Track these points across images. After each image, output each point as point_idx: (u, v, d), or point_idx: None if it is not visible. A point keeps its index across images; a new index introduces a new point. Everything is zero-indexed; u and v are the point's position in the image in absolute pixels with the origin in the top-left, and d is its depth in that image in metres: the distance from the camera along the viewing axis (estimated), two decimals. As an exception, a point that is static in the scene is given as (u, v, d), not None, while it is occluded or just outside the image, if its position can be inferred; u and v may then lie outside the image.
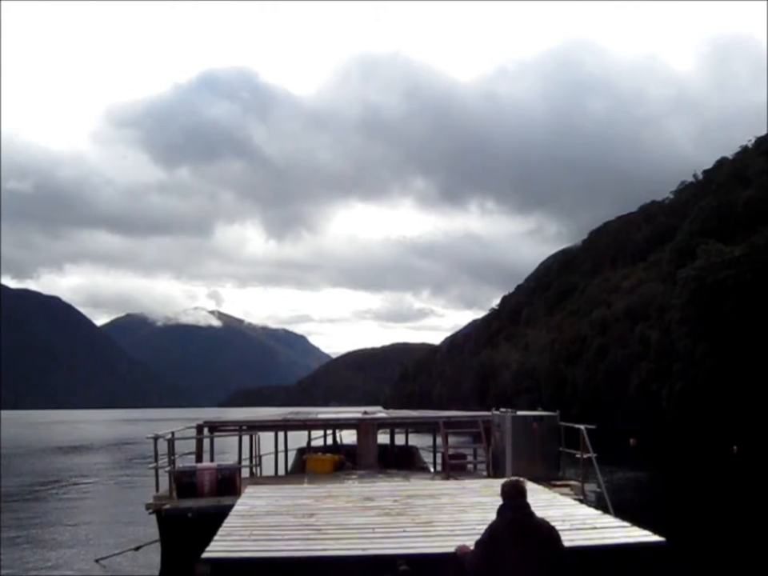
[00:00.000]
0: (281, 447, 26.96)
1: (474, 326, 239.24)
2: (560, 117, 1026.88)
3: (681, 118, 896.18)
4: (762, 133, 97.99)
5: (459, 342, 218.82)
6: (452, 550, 9.56)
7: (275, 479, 22.67)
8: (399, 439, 29.86)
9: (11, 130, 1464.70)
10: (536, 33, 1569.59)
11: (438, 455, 25.88)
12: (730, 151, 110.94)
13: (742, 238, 71.63)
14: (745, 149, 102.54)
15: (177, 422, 31.42)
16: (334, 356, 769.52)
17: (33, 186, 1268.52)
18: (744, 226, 74.75)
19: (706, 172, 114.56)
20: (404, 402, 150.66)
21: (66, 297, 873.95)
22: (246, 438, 23.49)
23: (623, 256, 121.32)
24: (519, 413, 20.96)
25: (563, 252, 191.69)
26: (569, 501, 13.93)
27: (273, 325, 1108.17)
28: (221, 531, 10.80)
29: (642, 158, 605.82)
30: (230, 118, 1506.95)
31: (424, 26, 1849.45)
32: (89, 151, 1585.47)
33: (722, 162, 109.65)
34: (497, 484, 16.43)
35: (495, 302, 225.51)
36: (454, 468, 21.54)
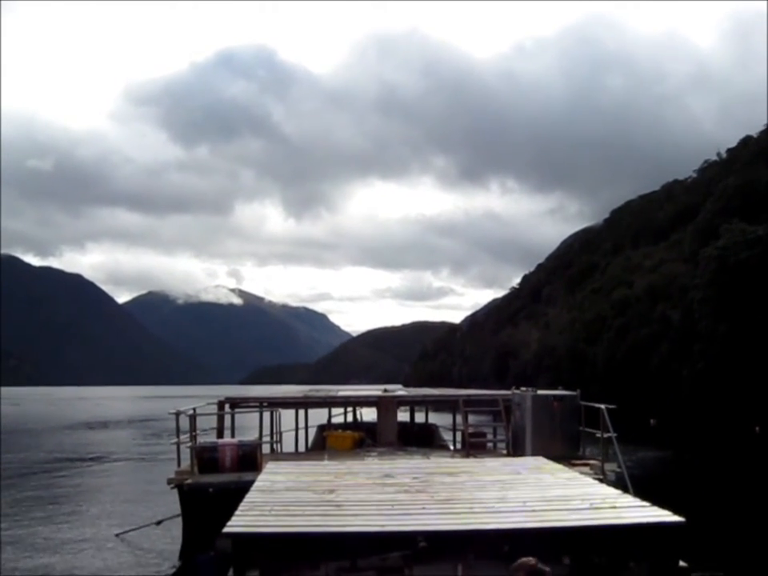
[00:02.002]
0: (301, 424, 27.12)
1: (495, 304, 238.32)
2: (579, 94, 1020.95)
3: (702, 95, 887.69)
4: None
5: (479, 320, 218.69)
6: (470, 527, 9.59)
7: (296, 455, 22.85)
8: (419, 417, 29.96)
9: (31, 109, 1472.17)
10: (554, 9, 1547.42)
11: (458, 433, 25.95)
12: (751, 129, 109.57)
13: (766, 218, 70.90)
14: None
15: (198, 398, 31.55)
16: (354, 334, 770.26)
17: (53, 165, 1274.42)
18: (768, 206, 74.01)
19: (729, 150, 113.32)
20: (424, 381, 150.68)
21: (87, 274, 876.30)
22: (266, 415, 23.66)
23: (645, 235, 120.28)
24: (540, 392, 20.95)
25: (584, 231, 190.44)
26: (588, 480, 13.91)
27: (293, 303, 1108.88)
28: (242, 506, 10.87)
29: (662, 135, 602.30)
30: (248, 96, 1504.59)
31: (440, 2, 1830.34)
32: (108, 130, 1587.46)
33: (746, 141, 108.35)
34: (517, 462, 16.53)
35: (515, 281, 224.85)
36: (473, 446, 21.58)
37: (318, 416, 28.67)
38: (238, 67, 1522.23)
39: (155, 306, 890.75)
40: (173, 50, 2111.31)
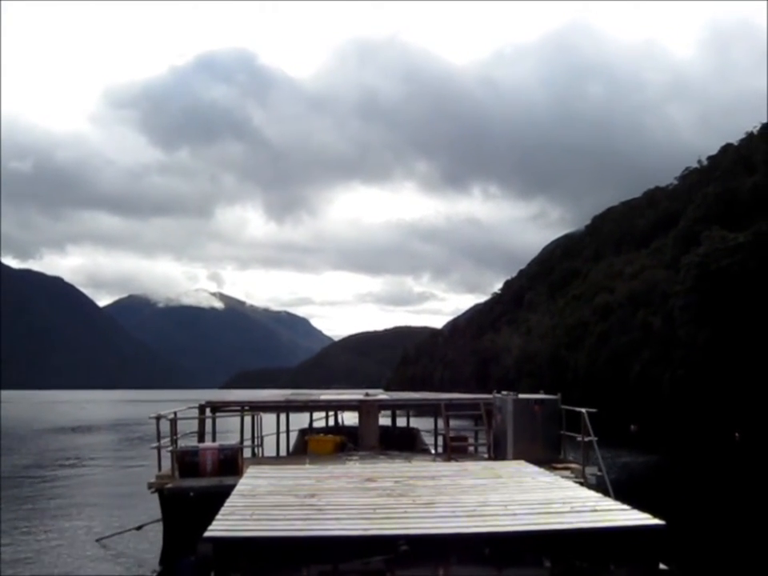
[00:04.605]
0: (283, 428, 27.05)
1: (476, 310, 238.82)
2: (559, 101, 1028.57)
3: (681, 103, 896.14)
4: (764, 119, 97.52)
5: (461, 325, 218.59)
6: (452, 531, 9.60)
7: (277, 460, 22.77)
8: (401, 421, 29.96)
9: (11, 111, 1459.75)
10: (533, 17, 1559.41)
11: (440, 437, 25.96)
12: (731, 137, 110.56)
13: (747, 225, 71.36)
14: (750, 135, 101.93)
15: (179, 402, 31.41)
16: (335, 339, 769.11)
17: (33, 167, 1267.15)
18: (748, 213, 74.44)
19: (710, 158, 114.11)
20: (405, 385, 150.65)
21: (67, 277, 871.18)
22: (248, 419, 23.60)
23: (627, 242, 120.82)
24: (521, 395, 21.01)
25: (566, 237, 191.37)
26: (569, 483, 13.97)
27: (274, 307, 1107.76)
28: (223, 511, 10.85)
29: (643, 142, 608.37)
30: (228, 100, 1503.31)
31: (420, 9, 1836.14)
32: (88, 132, 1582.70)
33: (726, 149, 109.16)
34: (498, 466, 16.57)
35: (497, 286, 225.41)
36: (455, 450, 21.61)
37: (300, 420, 28.62)
38: (218, 71, 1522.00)
39: (136, 310, 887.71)
40: (152, 53, 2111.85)
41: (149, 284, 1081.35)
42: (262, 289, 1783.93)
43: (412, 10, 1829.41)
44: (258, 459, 21.23)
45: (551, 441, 20.11)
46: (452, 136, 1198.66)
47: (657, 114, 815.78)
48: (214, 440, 21.87)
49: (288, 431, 27.33)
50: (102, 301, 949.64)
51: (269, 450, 24.79)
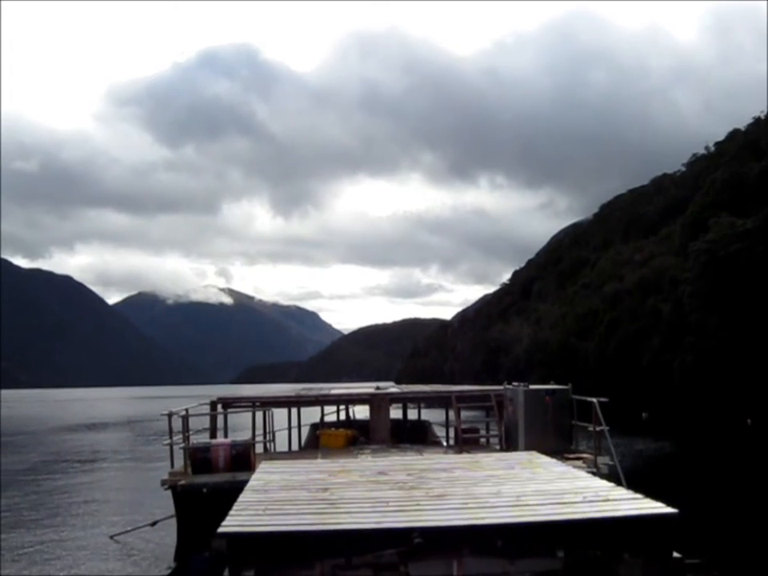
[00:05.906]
0: (294, 423, 27.10)
1: (485, 301, 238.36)
2: (563, 89, 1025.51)
3: (686, 89, 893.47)
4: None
5: (470, 317, 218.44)
6: (465, 522, 9.62)
7: (289, 454, 22.86)
8: (412, 414, 29.97)
9: (15, 111, 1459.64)
10: (534, 5, 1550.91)
11: (451, 429, 25.99)
12: (736, 122, 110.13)
13: (755, 211, 71.10)
14: (757, 120, 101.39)
15: (190, 398, 31.44)
16: (345, 332, 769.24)
17: (39, 166, 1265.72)
18: (756, 199, 74.09)
19: (717, 144, 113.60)
20: (416, 378, 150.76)
21: (77, 276, 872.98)
22: (259, 414, 23.68)
23: (635, 229, 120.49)
24: (532, 386, 21.01)
25: (574, 226, 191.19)
26: (581, 473, 13.94)
27: (283, 301, 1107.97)
28: (236, 506, 10.87)
29: (649, 129, 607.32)
30: (232, 95, 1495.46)
31: (419, 1, 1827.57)
32: (93, 131, 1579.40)
33: (734, 134, 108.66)
34: (510, 457, 16.57)
35: (506, 276, 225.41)
36: (466, 442, 21.64)
37: (311, 414, 28.66)
38: (220, 67, 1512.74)
39: (145, 307, 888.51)
40: (155, 50, 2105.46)
41: (158, 281, 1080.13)
42: (270, 283, 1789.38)
43: (411, 1, 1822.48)
44: (270, 454, 21.30)
45: (563, 431, 20.13)
46: (456, 127, 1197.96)
47: (662, 100, 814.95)
48: (225, 436, 21.95)
49: (299, 426, 27.38)
50: (112, 298, 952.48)
51: (281, 445, 24.87)
